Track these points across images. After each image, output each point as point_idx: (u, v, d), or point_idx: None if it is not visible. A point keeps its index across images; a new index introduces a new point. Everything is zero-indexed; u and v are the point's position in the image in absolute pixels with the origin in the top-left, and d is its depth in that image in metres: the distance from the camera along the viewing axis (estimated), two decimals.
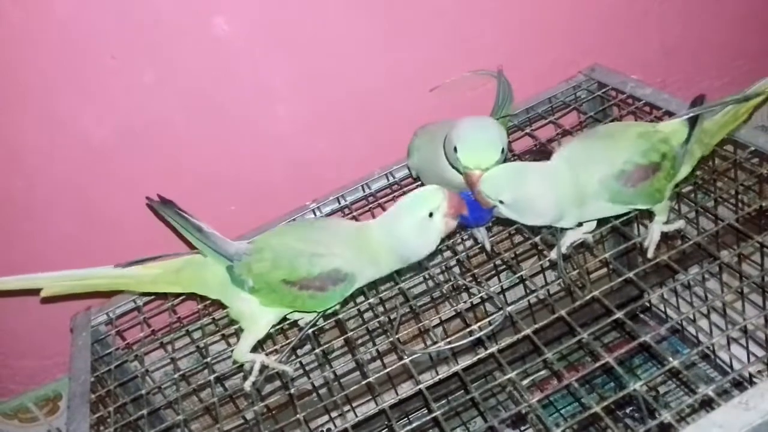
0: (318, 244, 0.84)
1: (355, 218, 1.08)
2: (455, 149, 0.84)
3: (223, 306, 0.95)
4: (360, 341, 1.21)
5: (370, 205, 1.11)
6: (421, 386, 0.78)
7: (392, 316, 0.93)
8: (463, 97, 1.16)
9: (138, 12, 0.94)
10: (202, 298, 1.00)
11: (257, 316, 0.87)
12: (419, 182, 1.05)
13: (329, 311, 0.91)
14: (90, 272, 0.91)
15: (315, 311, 0.89)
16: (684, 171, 0.86)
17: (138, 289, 0.95)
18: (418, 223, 0.81)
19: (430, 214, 0.81)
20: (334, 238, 0.85)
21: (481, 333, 0.81)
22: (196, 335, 1.04)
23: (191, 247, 0.89)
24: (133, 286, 0.93)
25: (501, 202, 0.82)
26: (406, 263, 0.86)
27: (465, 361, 0.83)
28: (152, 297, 1.06)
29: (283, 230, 0.92)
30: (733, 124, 0.89)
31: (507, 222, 0.90)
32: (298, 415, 0.80)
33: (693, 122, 0.84)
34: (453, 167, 0.88)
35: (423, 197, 0.83)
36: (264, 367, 0.89)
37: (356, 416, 0.83)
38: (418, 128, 1.02)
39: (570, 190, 0.81)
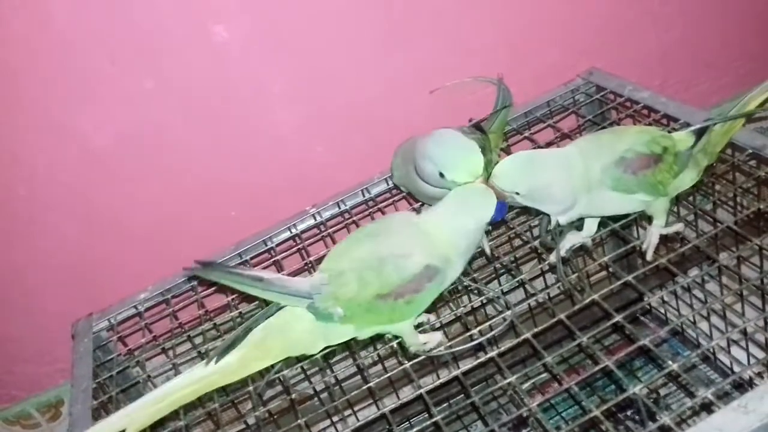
0: (394, 245, 0.79)
1: (355, 223, 1.08)
2: (441, 175, 0.82)
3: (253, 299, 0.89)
4: (360, 345, 1.21)
5: (370, 210, 1.11)
6: (421, 390, 0.78)
7: None
8: (463, 101, 1.16)
9: (137, 18, 0.95)
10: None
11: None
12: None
13: None
14: (169, 388, 0.78)
15: (411, 317, 0.82)
16: (689, 177, 0.87)
17: (226, 381, 0.80)
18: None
19: None
20: (406, 233, 0.80)
21: (482, 338, 0.82)
22: (198, 340, 1.05)
23: (246, 297, 0.83)
24: (220, 382, 0.80)
25: (517, 193, 0.83)
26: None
27: (465, 365, 0.83)
28: (153, 302, 1.07)
29: (344, 249, 0.82)
30: (731, 131, 0.90)
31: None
32: (299, 420, 0.80)
33: (700, 134, 0.86)
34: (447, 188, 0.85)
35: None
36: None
37: (357, 420, 0.83)
38: (398, 147, 1.02)
39: (582, 175, 0.82)
